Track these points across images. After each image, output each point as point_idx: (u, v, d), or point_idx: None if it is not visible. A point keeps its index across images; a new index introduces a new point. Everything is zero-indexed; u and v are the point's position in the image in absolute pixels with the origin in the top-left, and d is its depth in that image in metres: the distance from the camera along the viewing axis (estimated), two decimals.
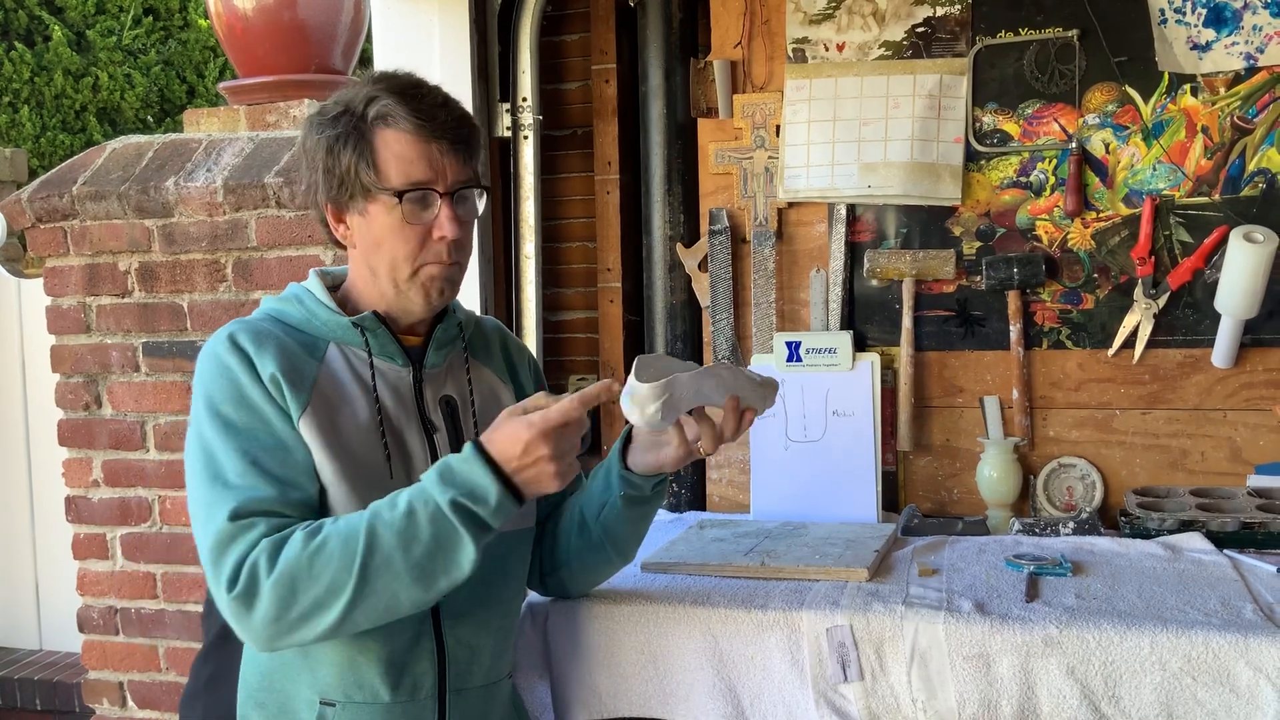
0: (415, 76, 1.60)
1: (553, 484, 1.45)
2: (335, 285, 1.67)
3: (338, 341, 1.60)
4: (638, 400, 1.54)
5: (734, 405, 1.61)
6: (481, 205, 1.64)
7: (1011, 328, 2.46)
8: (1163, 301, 2.39)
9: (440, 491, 1.42)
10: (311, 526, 1.45)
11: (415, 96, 1.56)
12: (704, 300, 2.70)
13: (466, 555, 1.42)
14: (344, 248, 1.65)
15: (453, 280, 1.60)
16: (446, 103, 1.58)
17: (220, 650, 1.80)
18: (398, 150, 1.54)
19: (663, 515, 2.59)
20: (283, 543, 1.43)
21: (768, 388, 1.67)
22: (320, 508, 1.52)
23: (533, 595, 1.87)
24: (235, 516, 1.44)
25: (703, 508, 2.68)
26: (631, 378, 1.55)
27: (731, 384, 1.62)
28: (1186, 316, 2.40)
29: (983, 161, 2.49)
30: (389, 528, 1.42)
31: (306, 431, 1.51)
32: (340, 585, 1.41)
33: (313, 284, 1.65)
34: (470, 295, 2.79)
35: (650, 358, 1.61)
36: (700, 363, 2.70)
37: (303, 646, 1.51)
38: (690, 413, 1.61)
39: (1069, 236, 2.45)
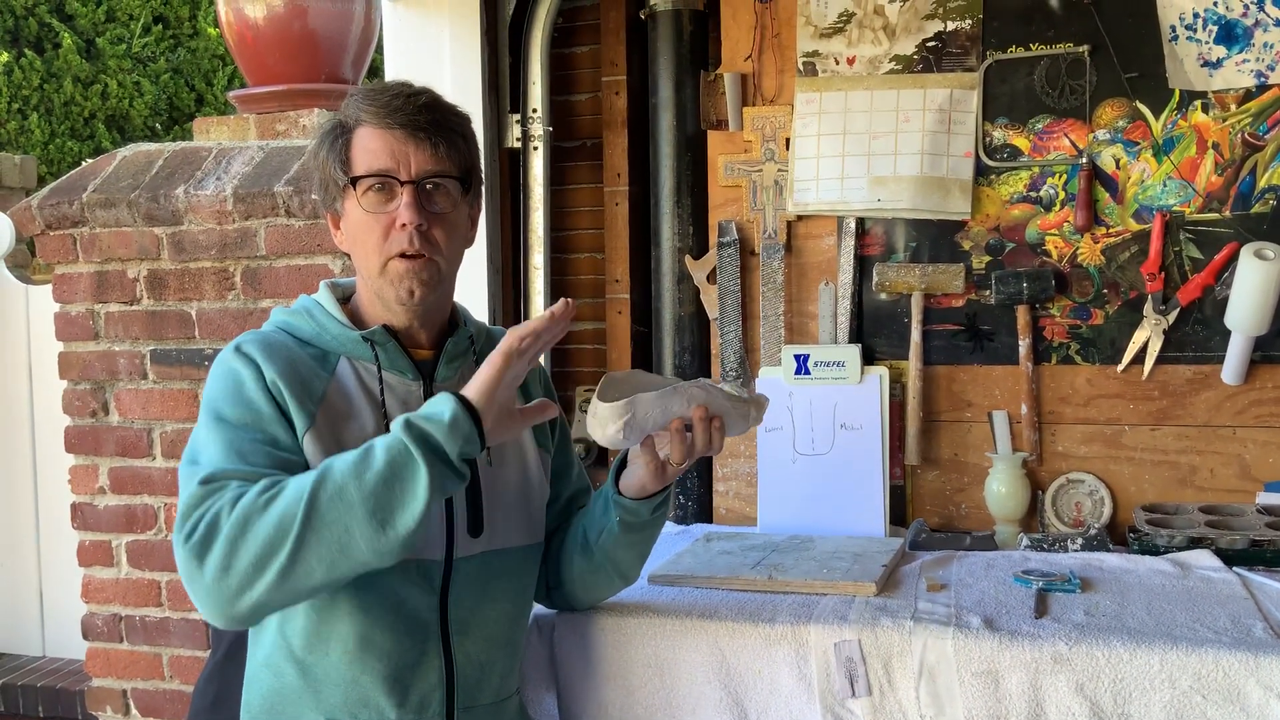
0: (403, 82, 1.59)
1: (489, 384, 1.42)
2: (346, 297, 1.67)
3: (348, 355, 1.60)
4: (599, 420, 1.53)
5: (702, 414, 1.58)
6: (476, 202, 1.63)
7: (1020, 342, 2.46)
8: (1172, 318, 2.38)
9: (399, 419, 1.42)
10: (276, 475, 1.42)
11: (384, 92, 1.56)
12: (712, 312, 2.69)
13: (421, 483, 1.37)
14: (349, 255, 1.65)
15: (423, 277, 1.56)
16: (414, 95, 1.56)
17: (226, 671, 1.78)
18: (364, 144, 1.55)
19: (669, 527, 2.59)
20: (244, 492, 1.40)
21: (755, 405, 1.65)
22: None
23: (539, 607, 1.86)
24: (207, 481, 1.42)
25: (709, 520, 2.68)
26: (595, 397, 1.54)
27: (704, 402, 1.59)
28: (1196, 333, 2.39)
29: (993, 176, 2.49)
30: (345, 461, 1.40)
31: (310, 447, 1.50)
32: (289, 518, 1.36)
33: (323, 296, 1.64)
34: (479, 305, 2.79)
35: (619, 375, 1.59)
36: (709, 376, 2.70)
37: (263, 614, 1.44)
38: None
39: (1079, 252, 2.45)
